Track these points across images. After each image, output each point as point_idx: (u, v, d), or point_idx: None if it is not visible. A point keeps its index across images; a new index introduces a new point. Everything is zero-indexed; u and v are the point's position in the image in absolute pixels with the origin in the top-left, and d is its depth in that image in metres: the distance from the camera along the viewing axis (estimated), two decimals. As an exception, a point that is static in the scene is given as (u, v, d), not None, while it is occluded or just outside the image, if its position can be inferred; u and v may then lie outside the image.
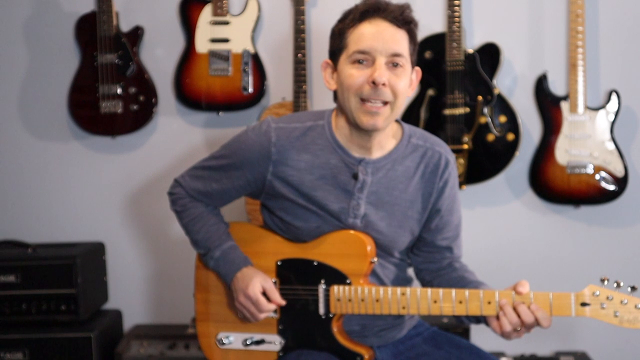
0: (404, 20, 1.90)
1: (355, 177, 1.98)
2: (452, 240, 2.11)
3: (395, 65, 1.89)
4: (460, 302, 1.91)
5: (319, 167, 1.98)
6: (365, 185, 1.99)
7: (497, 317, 1.89)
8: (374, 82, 1.86)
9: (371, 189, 1.99)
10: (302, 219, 2.02)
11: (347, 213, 1.99)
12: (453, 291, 1.92)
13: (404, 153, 2.02)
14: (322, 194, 1.99)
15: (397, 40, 1.89)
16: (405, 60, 1.91)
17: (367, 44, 1.88)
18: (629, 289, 1.84)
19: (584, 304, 1.85)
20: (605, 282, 1.85)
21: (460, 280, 2.05)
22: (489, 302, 1.89)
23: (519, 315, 1.86)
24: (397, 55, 1.89)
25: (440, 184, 2.04)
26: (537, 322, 1.86)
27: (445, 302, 1.92)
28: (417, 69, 2.00)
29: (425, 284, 2.14)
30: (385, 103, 1.90)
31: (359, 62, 1.89)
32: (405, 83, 1.92)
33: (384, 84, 1.87)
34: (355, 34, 1.90)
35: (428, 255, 2.13)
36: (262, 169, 2.00)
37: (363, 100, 1.89)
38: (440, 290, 1.92)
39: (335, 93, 2.00)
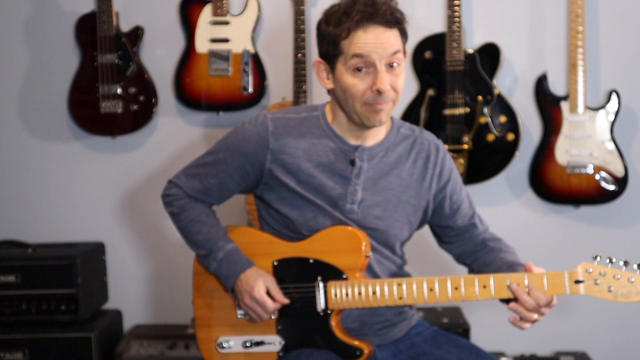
0: (395, 20, 1.92)
1: (352, 163, 2.02)
2: (470, 216, 2.16)
3: (392, 65, 1.92)
4: (456, 288, 1.93)
5: (316, 154, 2.02)
6: (361, 171, 2.02)
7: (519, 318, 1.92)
8: (378, 91, 1.90)
9: (367, 174, 2.03)
10: (299, 209, 2.03)
11: (344, 199, 2.02)
12: (448, 279, 1.94)
13: (394, 141, 2.07)
14: (320, 181, 2.01)
15: (392, 42, 1.91)
16: (402, 55, 1.95)
17: (365, 51, 1.89)
18: (622, 263, 1.86)
19: (577, 282, 1.87)
20: (598, 259, 1.87)
21: (492, 262, 2.08)
22: (484, 287, 1.92)
23: (523, 305, 1.89)
24: (394, 54, 1.91)
25: (437, 170, 2.09)
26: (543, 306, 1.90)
27: (441, 289, 1.94)
28: (406, 51, 2.02)
29: (469, 269, 2.18)
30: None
31: (358, 69, 1.91)
32: (403, 78, 1.96)
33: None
34: (351, 43, 1.91)
35: (458, 239, 2.17)
36: (261, 158, 2.02)
37: (368, 104, 1.93)
38: (436, 279, 1.95)
39: (329, 90, 2.03)
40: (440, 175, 2.09)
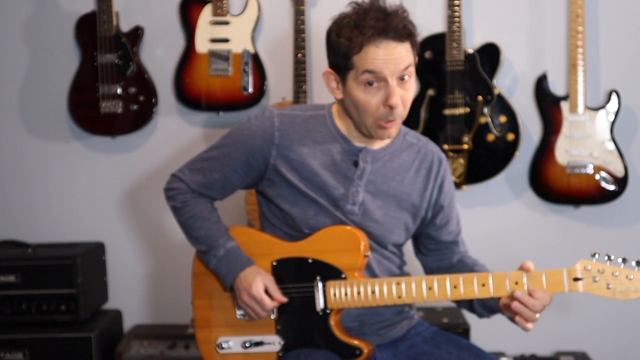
0: (407, 33, 1.91)
1: (355, 164, 2.02)
2: (456, 234, 2.17)
3: (403, 78, 1.92)
4: (455, 287, 1.93)
5: (321, 153, 2.02)
6: (364, 173, 2.02)
7: (514, 319, 1.92)
8: (390, 107, 1.90)
9: (370, 177, 2.03)
10: (300, 207, 2.04)
11: (346, 199, 2.02)
12: (447, 277, 1.94)
13: (400, 147, 2.08)
14: (324, 179, 2.02)
15: (403, 57, 1.90)
16: (413, 68, 1.95)
17: (376, 67, 1.88)
18: (620, 260, 1.86)
19: (576, 279, 1.88)
20: (597, 256, 1.88)
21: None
22: (483, 285, 1.92)
23: (528, 308, 1.89)
24: (405, 68, 1.91)
25: (439, 181, 2.10)
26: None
27: (439, 288, 1.94)
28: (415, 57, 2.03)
29: None
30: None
31: (369, 84, 1.90)
32: (413, 90, 1.97)
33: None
34: (363, 58, 1.89)
35: (437, 253, 2.18)
36: (266, 153, 2.02)
37: (379, 119, 1.93)
38: (435, 278, 1.95)
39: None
40: (441, 187, 2.10)
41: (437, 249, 2.18)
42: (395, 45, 1.89)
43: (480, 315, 2.08)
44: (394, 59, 1.88)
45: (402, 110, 1.93)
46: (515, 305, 1.89)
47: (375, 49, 1.88)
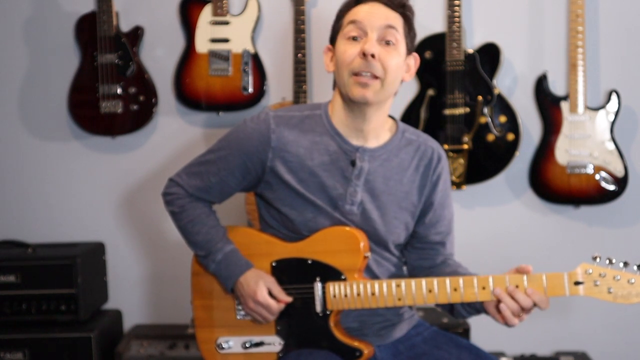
0: (398, 3, 1.96)
1: (353, 163, 2.01)
2: (444, 235, 2.13)
3: (387, 43, 1.94)
4: (455, 289, 1.93)
5: (318, 153, 2.02)
6: (362, 173, 2.01)
7: (497, 308, 1.90)
8: (364, 54, 1.91)
9: (368, 177, 2.02)
10: (299, 209, 2.03)
11: (344, 199, 2.01)
12: (447, 279, 1.93)
13: (398, 145, 2.06)
14: (321, 180, 2.01)
15: (390, 17, 1.94)
16: (399, 37, 1.95)
17: (358, 17, 1.94)
18: (621, 264, 1.86)
19: (577, 283, 1.87)
20: (598, 260, 1.87)
21: (452, 274, 2.05)
22: (484, 288, 1.91)
23: (517, 302, 1.87)
24: (389, 27, 1.93)
25: (434, 178, 2.08)
26: (535, 305, 1.88)
27: (440, 290, 1.94)
28: (415, 55, 2.03)
29: None
30: (375, 77, 1.93)
31: (353, 38, 1.94)
32: (397, 62, 1.95)
33: (373, 55, 1.91)
34: (351, 13, 1.96)
35: (421, 252, 2.14)
36: (262, 156, 2.02)
37: (355, 74, 1.93)
38: (435, 280, 1.94)
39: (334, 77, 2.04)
40: (435, 184, 2.08)
41: (422, 248, 2.14)
42: (384, 7, 1.95)
43: (461, 317, 2.06)
44: (377, 14, 1.93)
45: (379, 68, 1.92)
46: (499, 292, 1.88)
47: (364, 5, 1.95)
